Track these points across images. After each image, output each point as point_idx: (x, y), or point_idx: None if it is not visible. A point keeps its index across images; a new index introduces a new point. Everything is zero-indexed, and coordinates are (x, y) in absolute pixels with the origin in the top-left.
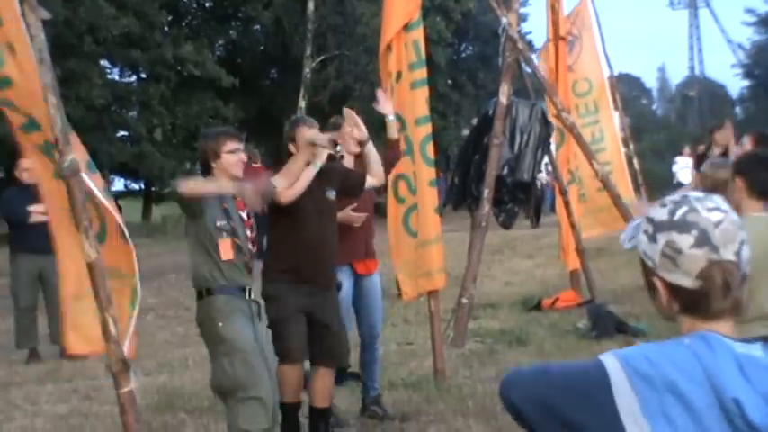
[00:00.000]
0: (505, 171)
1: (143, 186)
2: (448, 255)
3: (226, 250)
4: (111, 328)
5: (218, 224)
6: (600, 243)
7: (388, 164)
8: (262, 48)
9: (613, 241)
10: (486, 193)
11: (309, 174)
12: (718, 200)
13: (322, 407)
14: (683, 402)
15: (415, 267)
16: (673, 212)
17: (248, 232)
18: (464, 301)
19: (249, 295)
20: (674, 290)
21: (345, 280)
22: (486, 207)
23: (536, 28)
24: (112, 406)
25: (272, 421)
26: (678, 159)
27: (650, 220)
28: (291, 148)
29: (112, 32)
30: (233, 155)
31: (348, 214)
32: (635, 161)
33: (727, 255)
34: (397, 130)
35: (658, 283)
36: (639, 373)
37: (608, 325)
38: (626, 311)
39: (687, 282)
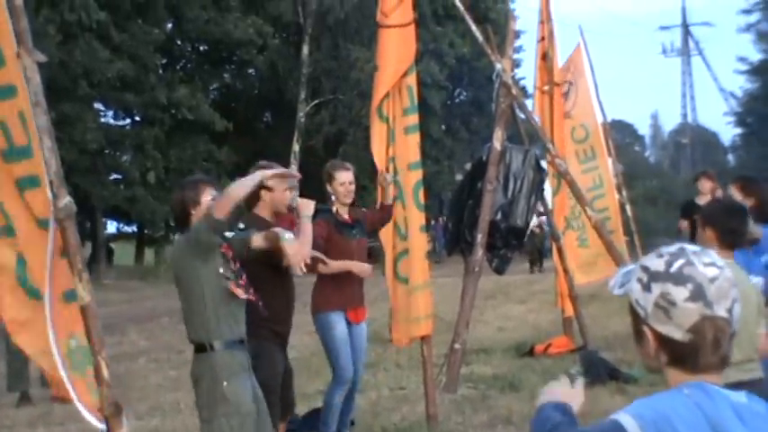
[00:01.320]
0: (499, 216)
1: (136, 229)
2: (441, 300)
3: (238, 291)
4: (104, 372)
5: (221, 270)
6: (593, 289)
7: (378, 223)
8: (256, 91)
9: (606, 287)
10: (480, 238)
11: (308, 229)
12: (714, 255)
13: None
14: None
15: (405, 313)
16: (669, 264)
17: (242, 275)
18: (457, 346)
19: (244, 345)
20: (664, 341)
21: (341, 322)
22: (479, 252)
23: (530, 74)
24: None
25: None
26: None
27: (645, 269)
28: (265, 195)
29: (107, 75)
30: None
31: (361, 267)
32: (628, 208)
33: (720, 311)
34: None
35: (648, 333)
36: (651, 426)
37: (600, 371)
38: (618, 358)
39: (678, 334)
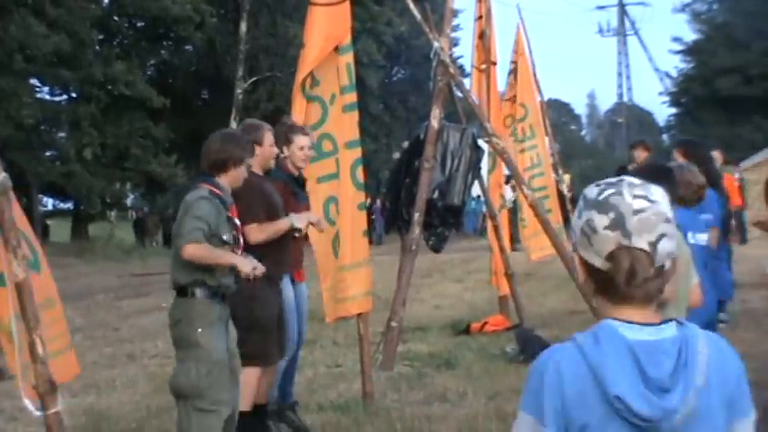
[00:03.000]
0: (436, 195)
1: (72, 206)
2: (378, 278)
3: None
4: (39, 349)
5: (225, 237)
6: (528, 268)
7: None
8: (193, 68)
9: (541, 266)
10: (417, 216)
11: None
12: (654, 190)
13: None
14: (574, 401)
15: (339, 290)
16: (600, 192)
17: (240, 239)
18: (393, 324)
19: (225, 299)
20: (588, 268)
21: (289, 289)
22: (416, 231)
23: (468, 52)
24: (39, 427)
25: (228, 428)
26: None
27: (583, 197)
28: (256, 149)
29: (42, 51)
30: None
31: (315, 218)
32: (564, 187)
33: (640, 243)
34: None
35: (577, 259)
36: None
37: (536, 349)
38: (554, 335)
39: (597, 261)
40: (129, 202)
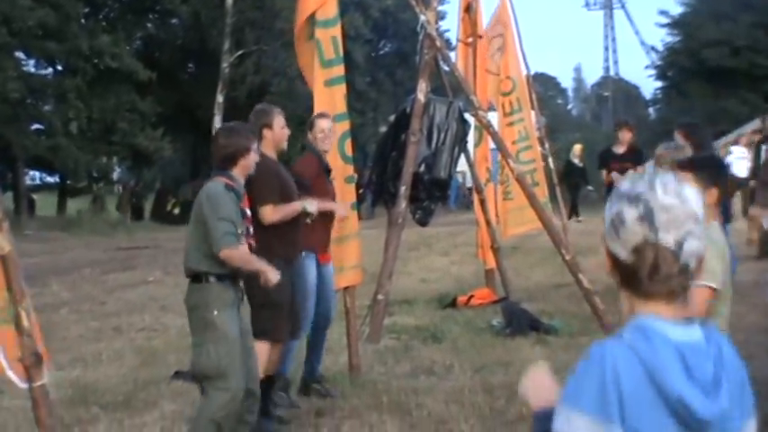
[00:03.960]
0: (422, 168)
1: (58, 180)
2: (364, 251)
3: (244, 246)
4: (25, 322)
5: (239, 231)
6: (515, 241)
7: None
8: (180, 41)
9: (528, 240)
10: (403, 190)
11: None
12: (688, 189)
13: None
14: (629, 401)
15: None
16: (633, 185)
17: (250, 229)
18: (380, 297)
19: (238, 281)
20: (614, 259)
21: (312, 269)
22: (402, 204)
23: (454, 26)
24: (25, 400)
25: (240, 408)
26: (733, 149)
27: (616, 189)
28: (267, 133)
29: (28, 23)
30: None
31: (333, 205)
32: (550, 160)
33: (666, 239)
34: None
35: (604, 250)
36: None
37: (522, 322)
38: (539, 309)
39: (623, 254)
40: (115, 175)
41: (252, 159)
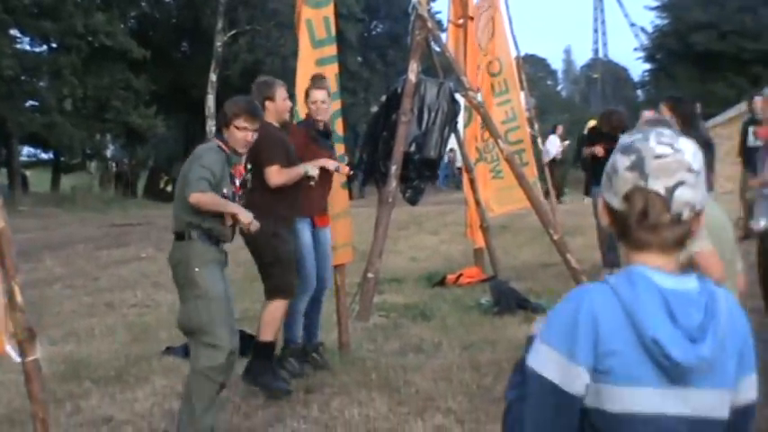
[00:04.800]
0: (413, 148)
1: (52, 156)
2: (355, 230)
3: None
4: (18, 297)
5: (224, 191)
6: (503, 221)
7: None
8: (173, 21)
9: (516, 219)
10: (394, 169)
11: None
12: (683, 141)
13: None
14: (605, 341)
15: None
16: (630, 137)
17: (237, 196)
18: (370, 275)
19: (223, 245)
20: (609, 210)
21: (306, 231)
22: (393, 183)
23: (446, 7)
24: (17, 375)
25: (228, 366)
26: (551, 137)
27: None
28: (269, 105)
29: (23, 2)
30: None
31: (327, 161)
32: (539, 141)
33: (656, 186)
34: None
35: (601, 203)
36: (562, 319)
37: (510, 301)
38: (527, 288)
39: (615, 202)
40: (108, 153)
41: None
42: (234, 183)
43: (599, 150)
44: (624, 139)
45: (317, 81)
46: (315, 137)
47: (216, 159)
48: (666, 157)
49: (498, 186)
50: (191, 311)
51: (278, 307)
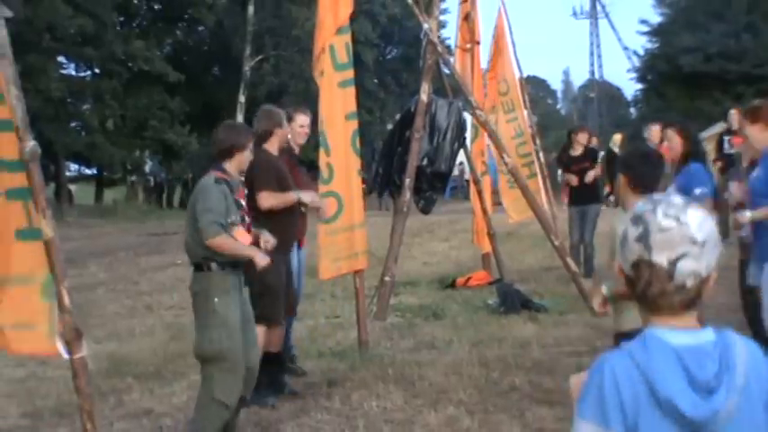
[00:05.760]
0: (425, 162)
1: (96, 172)
2: (372, 237)
3: (242, 237)
4: (66, 300)
5: (232, 218)
6: (509, 228)
7: None
8: (206, 47)
9: (521, 227)
10: (408, 181)
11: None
12: (690, 213)
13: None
14: (629, 403)
15: (334, 251)
16: (642, 207)
17: (246, 218)
18: (386, 279)
19: (239, 268)
20: (623, 274)
21: (294, 256)
22: (407, 194)
23: (454, 34)
24: (66, 371)
25: (243, 390)
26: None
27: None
28: (278, 132)
29: (69, 31)
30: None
31: (321, 204)
32: (541, 155)
33: (659, 258)
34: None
35: (616, 265)
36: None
37: (515, 301)
38: (531, 290)
39: (627, 268)
40: (147, 168)
41: (247, 156)
42: (241, 207)
43: (573, 180)
44: (637, 206)
45: (303, 108)
46: (295, 162)
47: (217, 196)
48: (671, 230)
49: (515, 196)
50: (210, 340)
51: (259, 331)
